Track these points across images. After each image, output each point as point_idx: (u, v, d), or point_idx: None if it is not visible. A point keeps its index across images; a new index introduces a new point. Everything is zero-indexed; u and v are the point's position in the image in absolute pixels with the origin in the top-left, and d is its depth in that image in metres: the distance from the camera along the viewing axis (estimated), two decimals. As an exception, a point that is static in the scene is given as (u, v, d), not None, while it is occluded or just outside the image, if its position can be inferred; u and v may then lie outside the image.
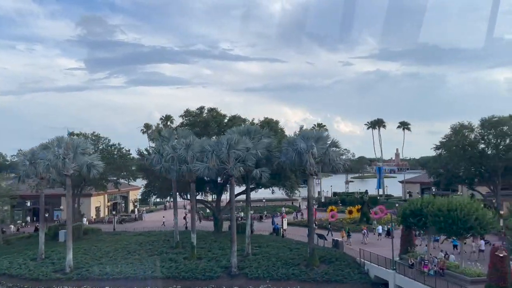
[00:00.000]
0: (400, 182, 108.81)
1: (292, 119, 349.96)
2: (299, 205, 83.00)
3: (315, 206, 72.25)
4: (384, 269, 34.93)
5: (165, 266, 39.41)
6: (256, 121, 52.36)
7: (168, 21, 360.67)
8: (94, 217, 73.49)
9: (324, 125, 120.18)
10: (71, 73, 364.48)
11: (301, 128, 43.47)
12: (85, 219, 66.82)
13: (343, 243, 43.89)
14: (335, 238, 45.30)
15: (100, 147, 57.57)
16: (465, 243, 35.96)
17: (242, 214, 65.98)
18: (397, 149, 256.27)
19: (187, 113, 52.27)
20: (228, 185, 52.50)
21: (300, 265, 38.75)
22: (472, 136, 62.35)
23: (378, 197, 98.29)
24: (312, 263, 38.41)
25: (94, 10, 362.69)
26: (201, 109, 53.54)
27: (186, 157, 39.81)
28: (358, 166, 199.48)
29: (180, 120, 53.52)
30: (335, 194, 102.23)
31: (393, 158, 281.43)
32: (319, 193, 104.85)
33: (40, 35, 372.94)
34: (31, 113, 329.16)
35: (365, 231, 47.68)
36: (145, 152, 51.45)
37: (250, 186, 53.19)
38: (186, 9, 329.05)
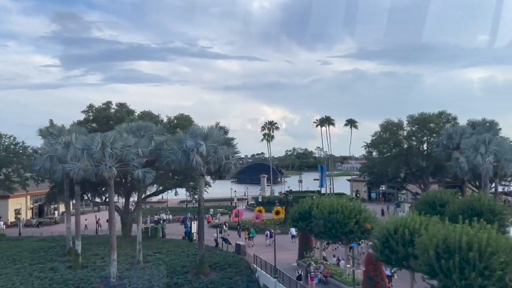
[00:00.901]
0: (348, 180, 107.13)
1: (272, 118, 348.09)
2: (235, 205, 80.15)
3: (240, 208, 69.96)
4: (269, 277, 32.25)
5: (40, 277, 35.72)
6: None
7: (146, 18, 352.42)
8: (13, 220, 68.92)
9: (275, 123, 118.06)
10: (46, 70, 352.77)
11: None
12: (1, 223, 62.57)
13: (245, 247, 41.12)
14: (238, 242, 42.51)
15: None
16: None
17: (159, 216, 62.90)
18: (367, 145, 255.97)
19: (90, 108, 48.54)
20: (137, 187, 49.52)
21: (189, 273, 35.77)
22: (404, 133, 60.88)
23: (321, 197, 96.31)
24: (201, 271, 35.47)
25: (69, 6, 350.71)
26: (108, 104, 49.95)
27: (67, 156, 36.18)
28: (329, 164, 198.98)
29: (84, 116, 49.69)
30: (288, 193, 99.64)
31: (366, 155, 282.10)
32: (274, 192, 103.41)
33: (13, 32, 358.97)
34: (4, 110, 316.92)
35: (268, 232, 44.99)
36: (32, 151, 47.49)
37: (159, 188, 50.05)
38: (164, 6, 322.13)
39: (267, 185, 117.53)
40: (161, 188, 49.83)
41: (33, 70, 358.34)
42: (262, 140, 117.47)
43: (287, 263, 34.90)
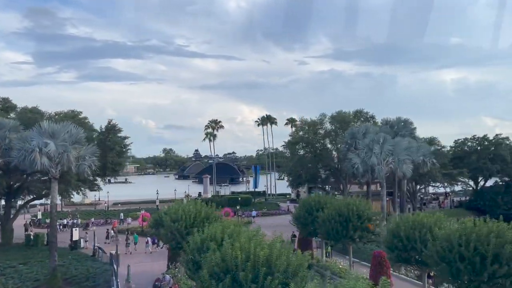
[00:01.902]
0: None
1: (250, 117, 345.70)
2: (157, 208, 76.09)
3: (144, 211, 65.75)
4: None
5: None
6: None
7: (122, 16, 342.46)
8: None
9: (220, 122, 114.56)
10: (18, 67, 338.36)
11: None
12: None
13: (118, 256, 37.32)
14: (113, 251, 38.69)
15: None
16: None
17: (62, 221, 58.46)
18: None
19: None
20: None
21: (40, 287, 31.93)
22: (322, 132, 58.37)
23: (266, 198, 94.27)
24: (52, 285, 31.57)
25: (43, 2, 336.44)
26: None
27: None
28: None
29: None
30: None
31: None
32: (220, 192, 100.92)
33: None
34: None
35: (149, 239, 41.55)
36: None
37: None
38: (140, 4, 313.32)
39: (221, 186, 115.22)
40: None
41: (5, 67, 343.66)
42: (204, 139, 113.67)
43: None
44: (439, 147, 68.50)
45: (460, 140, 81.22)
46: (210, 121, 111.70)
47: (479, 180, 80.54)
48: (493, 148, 76.28)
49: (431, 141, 67.05)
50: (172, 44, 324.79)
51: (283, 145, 60.73)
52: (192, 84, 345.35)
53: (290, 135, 59.39)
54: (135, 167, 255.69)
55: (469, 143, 79.68)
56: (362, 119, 55.66)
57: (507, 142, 79.54)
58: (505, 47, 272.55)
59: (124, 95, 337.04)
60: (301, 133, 56.08)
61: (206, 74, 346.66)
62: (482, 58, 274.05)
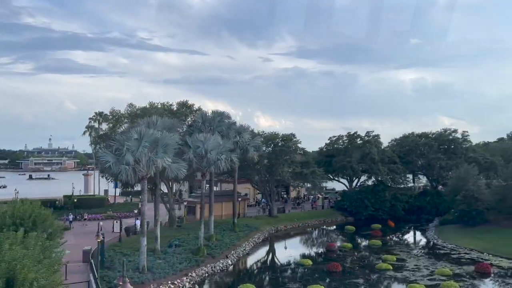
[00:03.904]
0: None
1: None
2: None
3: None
4: None
5: None
6: None
7: (82, 6, 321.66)
8: None
9: (106, 114, 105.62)
10: None
11: None
12: None
13: None
14: None
15: None
16: None
17: None
18: None
19: None
20: None
21: None
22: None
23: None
24: None
25: None
26: None
27: None
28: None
29: None
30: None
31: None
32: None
33: None
34: None
35: None
36: None
37: None
38: None
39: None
40: None
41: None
42: (84, 133, 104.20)
43: None
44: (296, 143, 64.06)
45: (334, 137, 77.99)
46: (96, 113, 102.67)
47: (353, 180, 77.65)
48: (361, 146, 73.25)
49: (272, 136, 62.75)
50: (134, 37, 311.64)
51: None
52: (154, 78, 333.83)
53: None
54: (74, 162, 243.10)
55: (340, 141, 76.46)
56: (188, 111, 50.05)
57: (379, 139, 77.27)
58: (460, 50, 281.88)
59: (84, 88, 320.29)
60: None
61: (169, 68, 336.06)
62: (439, 59, 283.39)
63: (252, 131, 63.45)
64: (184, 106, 50.14)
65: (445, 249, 48.01)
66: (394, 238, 56.81)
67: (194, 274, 35.61)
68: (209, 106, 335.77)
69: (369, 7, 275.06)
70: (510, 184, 54.41)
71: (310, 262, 41.45)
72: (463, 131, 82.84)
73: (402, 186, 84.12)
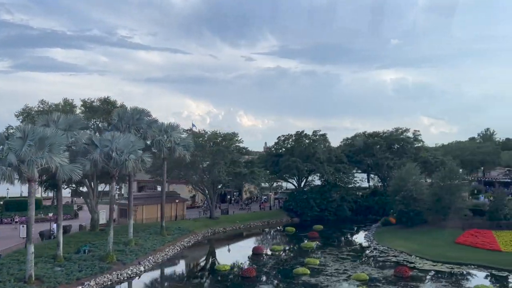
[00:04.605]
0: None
1: (196, 112, 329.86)
2: None
3: None
4: None
5: None
6: None
7: (61, 3, 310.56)
8: None
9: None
10: None
11: None
12: None
13: None
14: None
15: None
16: None
17: None
18: (265, 143, 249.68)
19: None
20: None
21: None
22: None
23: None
24: None
25: None
26: None
27: None
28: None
29: None
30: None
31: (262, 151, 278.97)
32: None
33: None
34: None
35: None
36: None
37: None
38: None
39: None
40: None
41: None
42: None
43: None
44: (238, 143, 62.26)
45: (283, 137, 76.35)
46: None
47: (302, 180, 76.22)
48: (306, 146, 71.79)
49: (214, 136, 60.78)
50: (115, 35, 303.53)
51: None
52: (136, 76, 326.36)
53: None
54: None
55: (288, 141, 74.87)
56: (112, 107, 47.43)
57: (327, 139, 76.05)
58: (440, 50, 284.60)
59: (64, 87, 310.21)
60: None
61: (150, 67, 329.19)
62: (419, 59, 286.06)
63: (190, 130, 61.48)
64: (107, 103, 47.56)
65: (376, 251, 46.74)
66: (325, 240, 55.06)
67: (92, 283, 33.16)
68: (191, 105, 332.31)
69: (351, 8, 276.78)
70: (446, 184, 53.61)
71: (227, 267, 39.49)
72: (415, 131, 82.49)
73: (356, 186, 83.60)
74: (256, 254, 45.62)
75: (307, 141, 73.59)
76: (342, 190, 73.16)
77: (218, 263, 41.44)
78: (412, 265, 40.15)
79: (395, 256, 43.87)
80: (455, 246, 44.72)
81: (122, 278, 35.98)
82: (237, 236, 58.39)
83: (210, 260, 44.23)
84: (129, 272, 37.14)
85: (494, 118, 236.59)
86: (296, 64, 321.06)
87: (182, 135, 50.09)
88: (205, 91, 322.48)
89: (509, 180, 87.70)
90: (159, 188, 78.00)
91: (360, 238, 55.45)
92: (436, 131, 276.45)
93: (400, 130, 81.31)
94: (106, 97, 47.75)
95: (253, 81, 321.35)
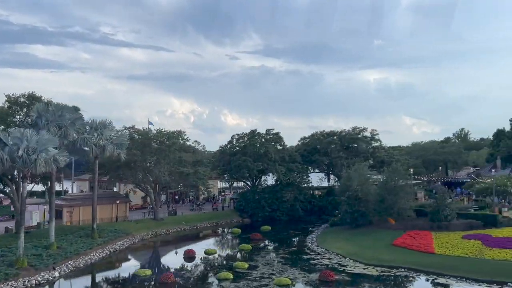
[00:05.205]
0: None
1: (180, 110, 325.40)
2: None
3: None
4: None
5: None
6: None
7: None
8: None
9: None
10: None
11: None
12: None
13: None
14: None
15: None
16: None
17: None
18: None
19: None
20: None
21: None
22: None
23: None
24: None
25: None
26: None
27: None
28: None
29: None
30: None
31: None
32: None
33: None
34: None
35: None
36: None
37: None
38: None
39: None
40: None
41: None
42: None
43: None
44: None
45: (237, 136, 74.59)
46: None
47: (255, 180, 74.60)
48: (258, 145, 70.20)
49: (160, 135, 58.67)
50: (97, 32, 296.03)
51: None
52: (118, 74, 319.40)
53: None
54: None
55: (241, 140, 73.13)
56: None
57: (281, 137, 74.56)
58: (422, 51, 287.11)
59: (44, 84, 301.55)
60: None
61: (133, 64, 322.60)
62: (402, 60, 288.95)
63: (132, 127, 59.10)
64: (32, 98, 44.99)
65: (312, 254, 45.27)
66: (267, 242, 53.41)
67: (-10, 291, 30.86)
68: (175, 103, 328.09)
69: (334, 8, 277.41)
70: (389, 185, 52.58)
71: (149, 272, 37.53)
72: (372, 130, 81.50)
73: (316, 186, 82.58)
74: (187, 257, 43.76)
75: (260, 140, 71.99)
76: (296, 190, 71.77)
77: (140, 268, 39.32)
78: (342, 268, 38.81)
79: (330, 259, 42.47)
80: (391, 249, 43.54)
81: (29, 285, 33.66)
82: (179, 239, 56.26)
83: (135, 264, 42.03)
84: (39, 279, 34.82)
85: (474, 118, 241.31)
86: (280, 63, 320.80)
87: (113, 132, 47.78)
88: (189, 90, 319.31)
89: (468, 180, 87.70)
90: (115, 189, 75.70)
91: (303, 239, 53.94)
92: (418, 131, 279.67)
93: (357, 130, 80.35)
94: (31, 92, 45.22)
95: (237, 80, 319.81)
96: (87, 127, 47.29)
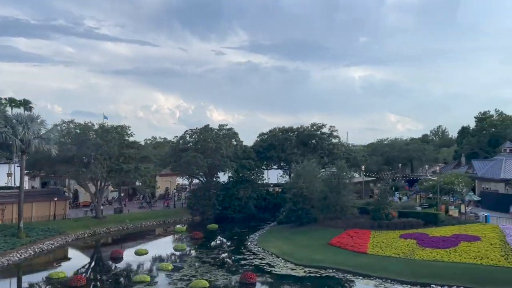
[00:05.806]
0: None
1: (165, 106, 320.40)
2: None
3: None
4: None
5: None
6: None
7: None
8: None
9: None
10: None
11: None
12: None
13: None
14: None
15: None
16: None
17: None
18: None
19: None
20: None
21: None
22: None
23: None
24: None
25: None
26: None
27: None
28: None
29: None
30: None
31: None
32: None
33: None
34: None
35: None
36: None
37: None
38: None
39: None
40: None
41: None
42: None
43: None
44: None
45: (189, 132, 72.52)
46: None
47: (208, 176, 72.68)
48: (210, 140, 68.24)
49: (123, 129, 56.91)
50: (81, 25, 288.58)
51: None
52: (103, 68, 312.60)
53: None
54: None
55: (194, 135, 71.11)
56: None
57: (236, 133, 72.82)
58: (407, 49, 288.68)
59: (27, 77, 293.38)
60: None
61: (118, 59, 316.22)
62: (387, 58, 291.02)
63: (71, 121, 56.63)
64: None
65: (247, 253, 43.67)
66: (208, 241, 51.61)
67: None
68: (160, 98, 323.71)
69: (321, 5, 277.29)
70: (333, 182, 51.31)
71: (63, 274, 35.40)
72: (331, 126, 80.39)
73: (275, 182, 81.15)
74: (113, 258, 41.74)
75: (212, 136, 70.06)
76: (250, 187, 70.16)
77: (55, 270, 37.12)
78: (270, 269, 37.36)
79: (262, 259, 40.98)
80: (326, 248, 42.26)
81: None
82: (119, 238, 54.00)
83: (55, 265, 39.83)
84: None
85: (456, 116, 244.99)
86: (267, 59, 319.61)
87: (41, 126, 45.41)
88: (174, 85, 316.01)
89: (429, 177, 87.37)
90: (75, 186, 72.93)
91: (244, 238, 52.30)
92: (402, 128, 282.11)
93: (316, 126, 79.11)
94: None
95: (223, 76, 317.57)
96: (14, 121, 44.83)
